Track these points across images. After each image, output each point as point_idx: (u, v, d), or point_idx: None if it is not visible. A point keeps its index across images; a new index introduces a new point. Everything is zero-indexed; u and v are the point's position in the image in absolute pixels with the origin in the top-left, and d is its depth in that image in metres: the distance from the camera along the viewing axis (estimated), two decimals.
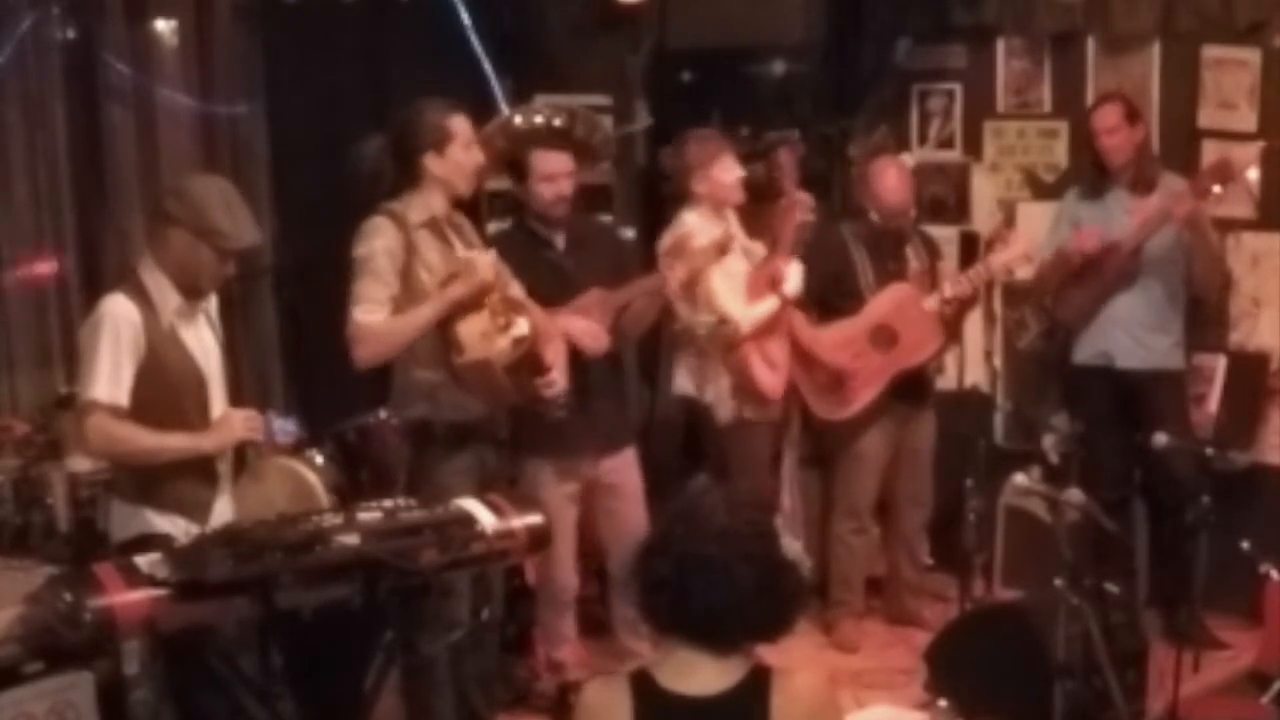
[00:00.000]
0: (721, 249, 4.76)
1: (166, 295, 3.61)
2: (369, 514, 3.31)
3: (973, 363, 5.43)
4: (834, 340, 5.27)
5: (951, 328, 5.33)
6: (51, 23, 5.02)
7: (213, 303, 3.80)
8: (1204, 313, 5.41)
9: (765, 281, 5.04)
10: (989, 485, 5.27)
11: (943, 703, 4.50)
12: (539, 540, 3.60)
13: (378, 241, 4.08)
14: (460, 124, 4.19)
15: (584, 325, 4.54)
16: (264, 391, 5.33)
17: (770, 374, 5.09)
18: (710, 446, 5.17)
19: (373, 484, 4.40)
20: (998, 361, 5.48)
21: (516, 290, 4.26)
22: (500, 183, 5.34)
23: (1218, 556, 4.63)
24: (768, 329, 5.06)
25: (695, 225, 5.00)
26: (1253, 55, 5.31)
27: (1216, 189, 4.92)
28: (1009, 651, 4.29)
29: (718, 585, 2.36)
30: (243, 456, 3.90)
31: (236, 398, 3.91)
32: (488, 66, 5.70)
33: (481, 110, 5.35)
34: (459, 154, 4.17)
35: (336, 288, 4.16)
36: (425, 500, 3.54)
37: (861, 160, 5.90)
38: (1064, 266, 5.25)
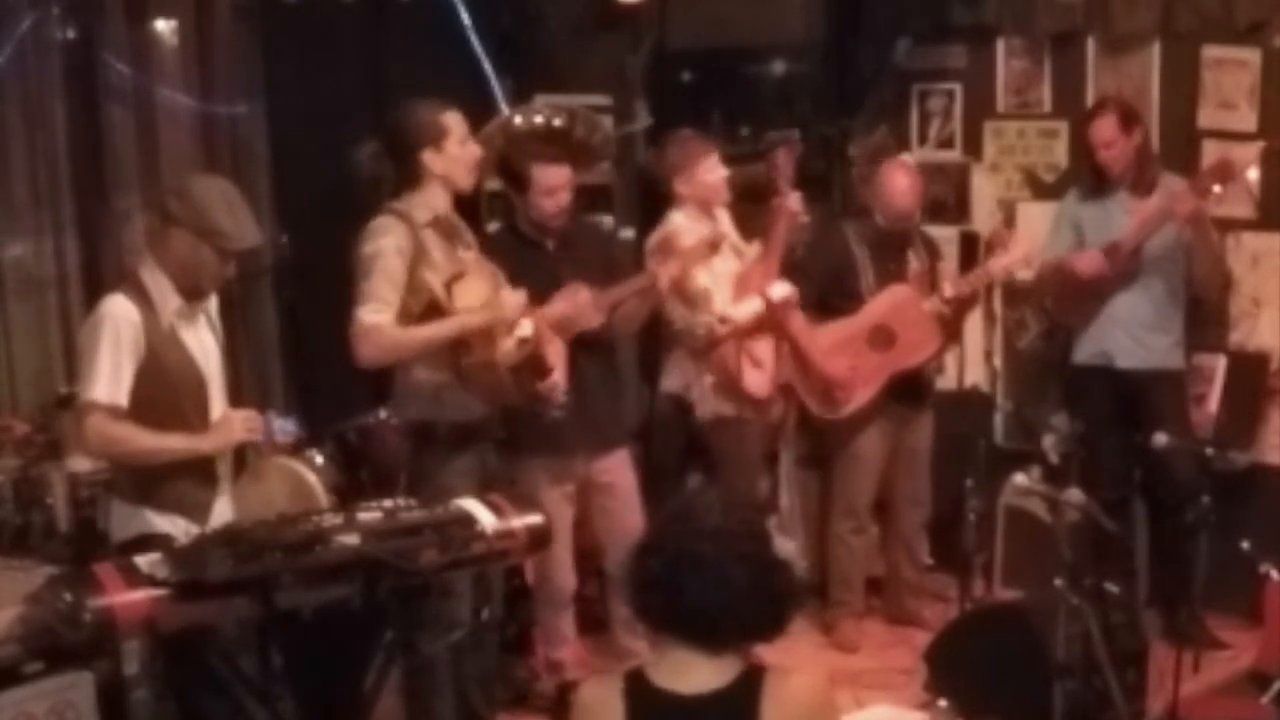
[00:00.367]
0: (713, 246, 4.77)
1: (167, 296, 3.61)
2: (369, 514, 3.31)
3: (973, 363, 5.43)
4: (832, 340, 5.27)
5: (951, 328, 5.33)
6: (51, 23, 5.02)
7: (213, 303, 3.80)
8: (1204, 313, 5.41)
9: (754, 283, 5.03)
10: (989, 485, 5.27)
11: (943, 703, 4.50)
12: (539, 540, 3.60)
13: (388, 240, 4.07)
14: (454, 119, 4.19)
15: (573, 305, 4.53)
16: (264, 391, 5.34)
17: (755, 373, 5.08)
18: (698, 444, 5.17)
19: (373, 484, 4.41)
20: (998, 361, 5.48)
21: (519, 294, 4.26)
22: (500, 183, 5.35)
23: (1218, 556, 4.63)
24: (753, 330, 5.05)
25: (682, 225, 5.01)
26: (1253, 55, 5.31)
27: (1217, 189, 4.93)
28: (1009, 651, 4.29)
29: (710, 584, 2.36)
30: (242, 457, 3.91)
31: (236, 398, 3.91)
32: (488, 66, 5.71)
33: (481, 110, 5.37)
34: (456, 149, 4.17)
35: (336, 288, 4.16)
36: (426, 501, 3.54)
37: (862, 160, 5.91)
38: (1063, 276, 5.25)
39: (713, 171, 5.08)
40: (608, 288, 4.66)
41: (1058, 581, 4.00)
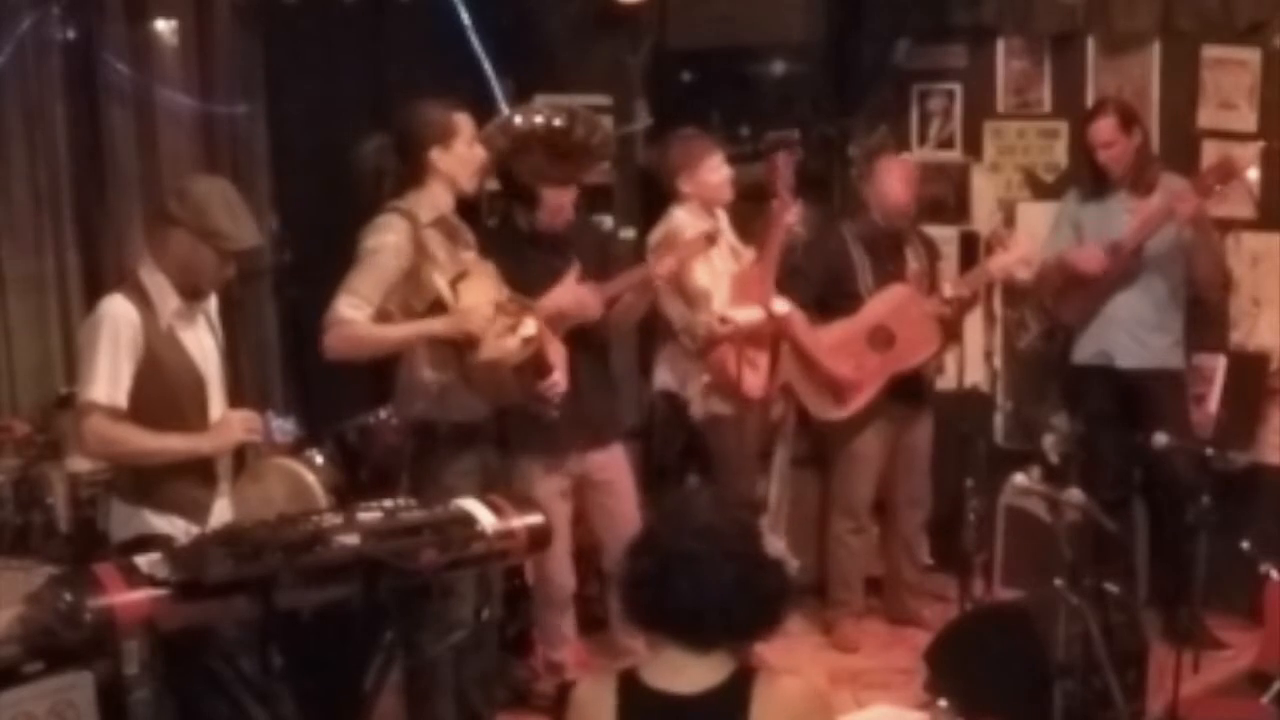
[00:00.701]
0: (710, 239, 4.77)
1: (166, 296, 3.60)
2: (369, 514, 3.31)
3: (973, 363, 5.43)
4: (832, 341, 5.27)
5: (951, 329, 5.33)
6: (51, 23, 5.02)
7: (212, 304, 3.80)
8: (1204, 313, 5.40)
9: (751, 288, 5.02)
10: (989, 485, 5.26)
11: (943, 703, 4.50)
12: (539, 540, 3.60)
13: (389, 238, 4.07)
14: (465, 121, 4.20)
15: (570, 296, 4.52)
16: (264, 391, 5.34)
17: (750, 373, 5.08)
18: (696, 442, 5.17)
19: (373, 484, 4.41)
20: (998, 361, 5.48)
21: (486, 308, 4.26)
22: (501, 186, 5.35)
23: (1218, 556, 4.63)
24: (752, 337, 5.04)
25: (684, 222, 5.01)
26: (1253, 55, 5.31)
27: (1218, 188, 4.93)
28: (1009, 651, 4.29)
29: (698, 582, 2.36)
30: (242, 457, 3.90)
31: (236, 398, 3.91)
32: (488, 66, 5.70)
33: (481, 110, 5.36)
34: (464, 149, 4.17)
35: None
36: (428, 501, 3.54)
37: (862, 160, 5.90)
38: (1064, 272, 5.25)
39: (716, 171, 5.08)
40: (603, 281, 4.66)
41: (1058, 581, 3.99)
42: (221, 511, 3.71)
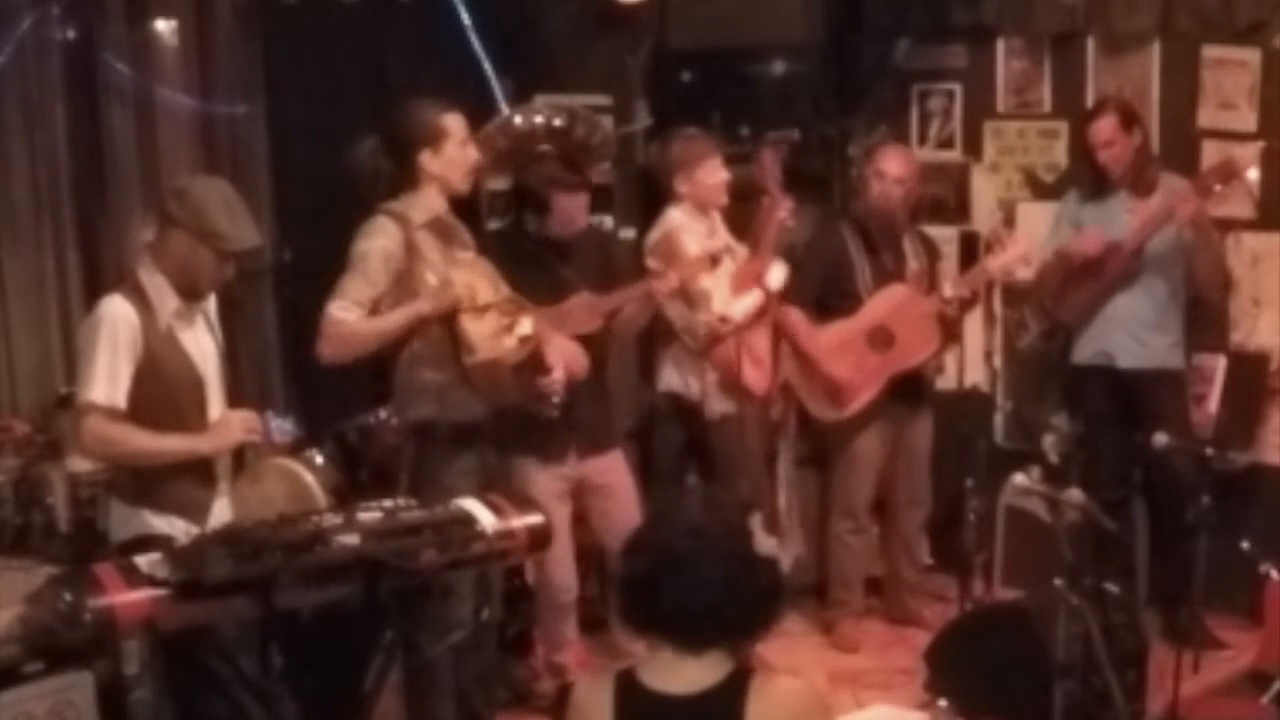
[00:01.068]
0: (715, 260, 4.80)
1: (165, 297, 3.60)
2: (369, 514, 3.31)
3: (973, 363, 5.42)
4: (832, 341, 5.27)
5: (950, 329, 5.33)
6: (51, 23, 5.03)
7: (211, 304, 3.80)
8: (1204, 313, 5.40)
9: (750, 279, 5.04)
10: (989, 485, 5.26)
11: (943, 703, 4.50)
12: (539, 540, 3.60)
13: (378, 241, 4.08)
14: (454, 121, 4.19)
15: (566, 350, 4.51)
16: (264, 391, 5.33)
17: (754, 369, 5.08)
18: (697, 442, 5.17)
19: (373, 484, 4.41)
20: (998, 361, 5.48)
21: (499, 292, 4.26)
22: (500, 183, 5.35)
23: (1218, 556, 4.62)
24: (752, 324, 5.05)
25: (681, 222, 5.02)
26: (1253, 55, 5.31)
27: (1218, 188, 4.93)
28: (1009, 651, 4.29)
29: (688, 584, 2.36)
30: (241, 457, 3.90)
31: (236, 398, 3.91)
32: (488, 66, 5.70)
33: (481, 110, 5.36)
34: (454, 151, 4.17)
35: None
36: (427, 501, 3.54)
37: (862, 160, 5.90)
38: (1064, 267, 5.25)
39: (714, 174, 5.09)
40: (606, 290, 4.67)
41: (1058, 581, 4.00)
42: (221, 512, 3.71)
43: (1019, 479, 4.49)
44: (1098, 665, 4.01)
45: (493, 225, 5.29)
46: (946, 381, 5.50)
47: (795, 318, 5.26)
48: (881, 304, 5.26)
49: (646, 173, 5.78)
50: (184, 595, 3.02)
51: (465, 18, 5.66)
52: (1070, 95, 5.76)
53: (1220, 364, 5.46)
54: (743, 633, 2.43)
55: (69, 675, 3.56)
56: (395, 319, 4.07)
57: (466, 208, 4.51)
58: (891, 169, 5.27)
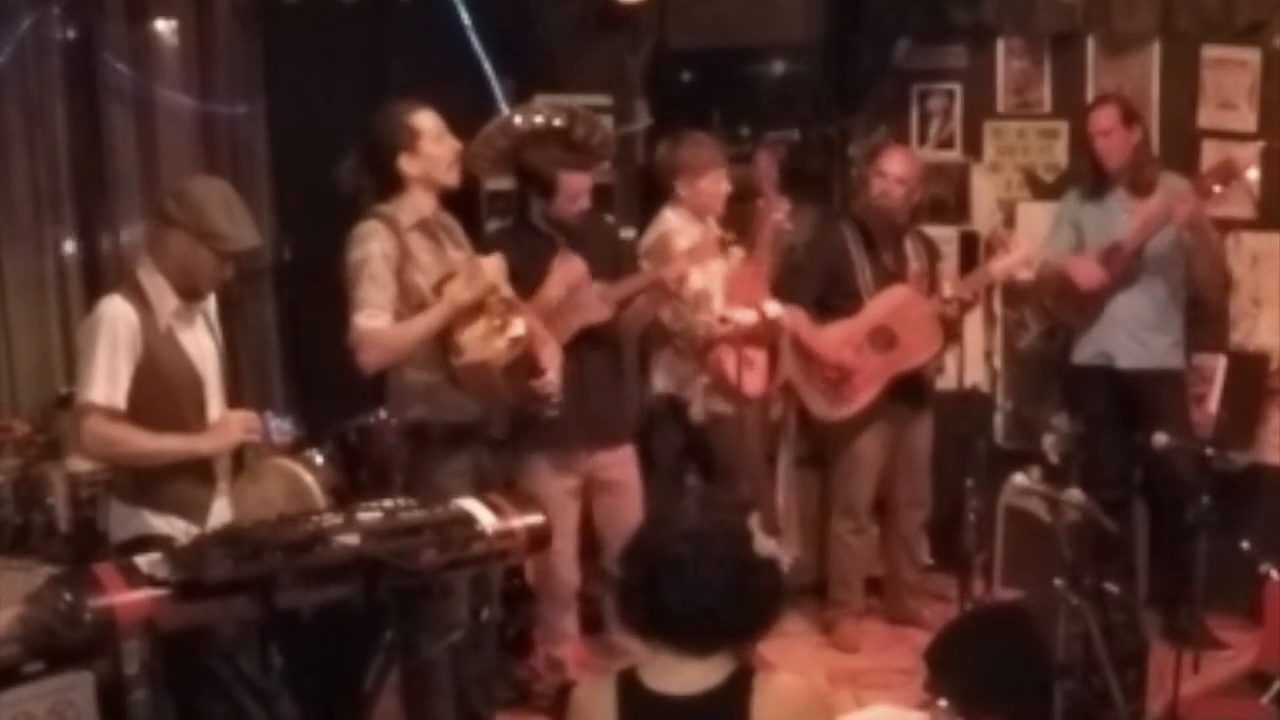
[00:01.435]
0: (722, 245, 4.79)
1: (164, 297, 3.60)
2: (369, 514, 3.31)
3: (973, 363, 5.43)
4: (834, 340, 5.28)
5: (951, 329, 5.33)
6: (51, 23, 5.03)
7: (211, 304, 3.79)
8: (1204, 313, 5.40)
9: (743, 287, 5.02)
10: (989, 485, 5.26)
11: (943, 703, 4.50)
12: (539, 540, 3.60)
13: (373, 245, 4.07)
14: (426, 119, 4.17)
15: (558, 287, 4.49)
16: (264, 391, 5.34)
17: (748, 372, 5.08)
18: (696, 443, 5.17)
19: (373, 484, 4.41)
20: (998, 361, 5.48)
21: (508, 291, 4.26)
22: (500, 183, 5.34)
23: (1218, 556, 4.62)
24: (747, 338, 5.04)
25: (675, 225, 5.03)
26: (1253, 55, 5.31)
27: (1218, 189, 4.93)
28: (1009, 651, 4.29)
29: (687, 587, 2.36)
30: (241, 457, 3.90)
31: (236, 398, 3.91)
32: (488, 66, 5.70)
33: (481, 110, 5.36)
34: (432, 148, 4.15)
35: (336, 288, 4.15)
36: (422, 501, 3.53)
37: (862, 160, 5.91)
38: (1062, 280, 5.25)
39: (718, 184, 5.09)
40: (615, 281, 4.66)
41: (1058, 581, 3.99)
42: (220, 512, 3.70)
43: (1019, 479, 4.49)
44: (1098, 665, 4.01)
45: (492, 226, 5.28)
46: (946, 381, 5.51)
47: (797, 318, 5.26)
48: (883, 305, 5.26)
49: (646, 173, 5.78)
50: (184, 595, 3.02)
51: (465, 18, 5.66)
52: (1070, 95, 5.76)
53: (1220, 364, 5.46)
54: (744, 634, 2.43)
55: (69, 675, 3.56)
56: (434, 316, 4.05)
57: (466, 208, 4.50)
58: (893, 169, 5.28)
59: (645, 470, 4.99)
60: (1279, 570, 4.46)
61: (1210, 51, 5.40)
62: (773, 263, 5.19)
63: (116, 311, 3.55)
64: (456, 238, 4.31)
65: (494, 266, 4.09)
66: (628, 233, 5.77)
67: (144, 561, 3.08)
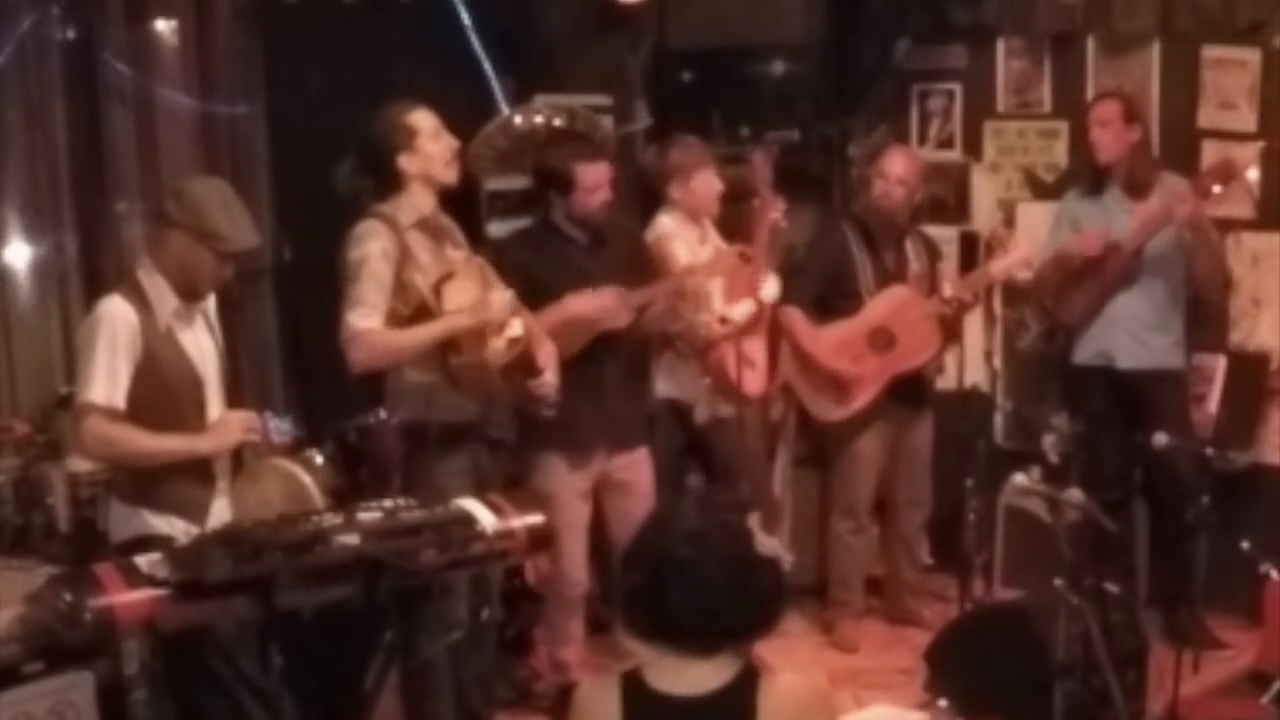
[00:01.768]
0: (744, 257, 4.83)
1: (164, 297, 3.60)
2: (369, 514, 3.31)
3: (973, 363, 5.44)
4: (833, 341, 5.28)
5: (951, 329, 5.33)
6: (51, 23, 5.02)
7: (211, 304, 3.80)
8: (1204, 313, 5.41)
9: (743, 284, 5.03)
10: (989, 485, 5.27)
11: (943, 703, 4.50)
12: (539, 540, 3.60)
13: (373, 244, 4.07)
14: (422, 117, 4.17)
15: (595, 302, 4.52)
16: (263, 391, 5.33)
17: (749, 372, 5.09)
18: (697, 445, 5.17)
19: (373, 484, 4.41)
20: (998, 361, 5.49)
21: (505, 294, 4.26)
22: (500, 183, 5.35)
23: (1218, 556, 4.63)
24: (746, 331, 5.05)
25: (671, 229, 5.03)
26: (1253, 55, 5.31)
27: (1217, 189, 4.93)
28: (1009, 651, 4.29)
29: (690, 589, 2.36)
30: (240, 457, 3.90)
31: (236, 398, 3.91)
32: (488, 66, 5.70)
33: (481, 110, 5.37)
34: (429, 145, 4.15)
35: (336, 288, 4.15)
36: (423, 501, 3.53)
37: (862, 160, 5.91)
38: (1064, 267, 5.25)
39: (708, 184, 5.09)
40: (636, 286, 4.65)
41: (1058, 581, 4.00)
42: (220, 512, 3.70)
43: (1019, 479, 4.49)
44: (1098, 665, 4.01)
45: (492, 227, 5.28)
46: (946, 381, 5.51)
47: (796, 318, 5.26)
48: (882, 305, 5.26)
49: (642, 170, 5.79)
50: (184, 595, 3.02)
51: (465, 18, 5.66)
52: (1070, 95, 5.76)
53: (1220, 364, 5.46)
54: (747, 634, 2.43)
55: (69, 675, 3.56)
56: (433, 331, 4.06)
57: (466, 208, 4.49)
58: (894, 169, 5.27)
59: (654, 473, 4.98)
60: (1279, 570, 4.46)
61: (1210, 51, 5.40)
62: (772, 262, 5.19)
63: (116, 311, 3.55)
64: (455, 238, 4.31)
65: (502, 302, 4.08)
66: None
67: (144, 561, 3.08)
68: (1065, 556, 4.01)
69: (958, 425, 5.33)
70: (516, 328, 4.10)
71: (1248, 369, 5.43)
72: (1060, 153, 5.86)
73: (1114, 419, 5.29)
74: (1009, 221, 5.91)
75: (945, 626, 4.84)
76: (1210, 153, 5.33)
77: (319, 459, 4.30)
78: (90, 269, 5.12)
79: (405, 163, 4.12)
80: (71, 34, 5.08)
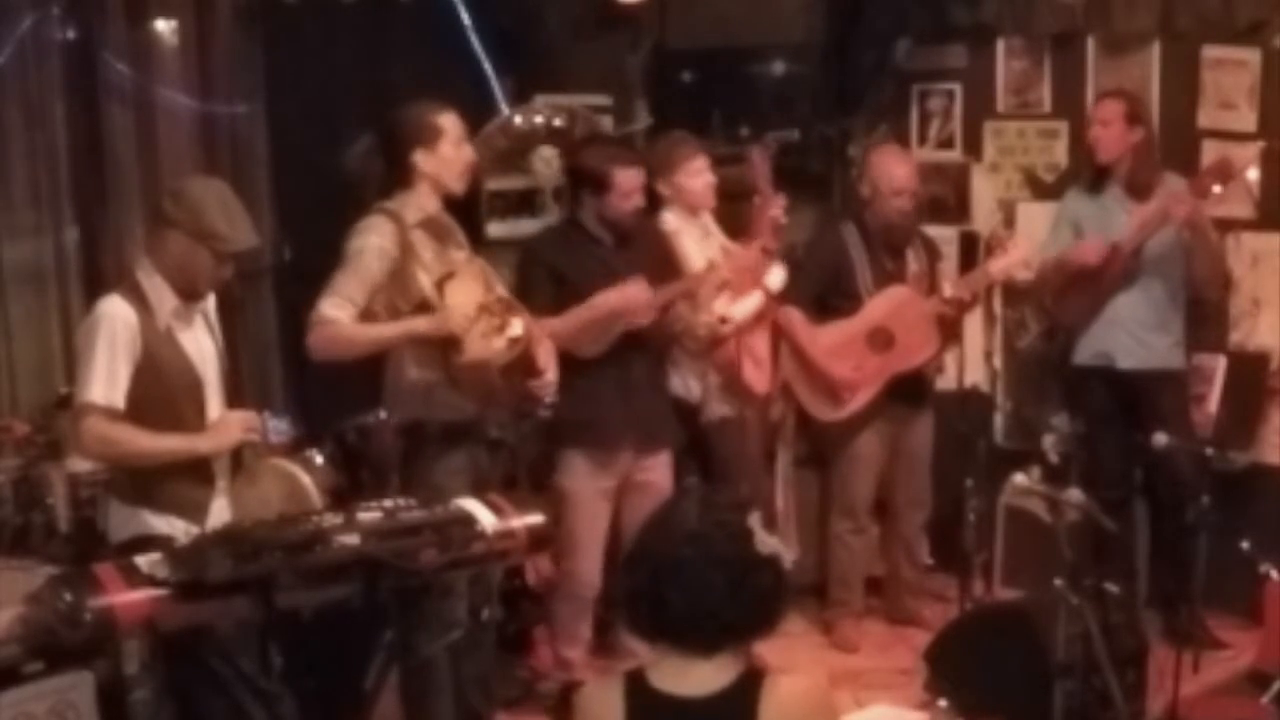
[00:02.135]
0: (767, 253, 4.85)
1: (163, 297, 3.60)
2: (369, 514, 3.31)
3: (973, 363, 5.43)
4: (832, 341, 5.28)
5: (950, 329, 5.33)
6: (51, 23, 5.02)
7: (210, 304, 3.79)
8: (1204, 313, 5.40)
9: (747, 279, 5.04)
10: (989, 485, 5.27)
11: (943, 703, 4.50)
12: (539, 540, 3.60)
13: (373, 239, 4.06)
14: (451, 121, 4.18)
15: (623, 293, 4.49)
16: (263, 391, 5.34)
17: (755, 370, 5.09)
18: (698, 444, 5.17)
19: (373, 484, 4.41)
20: (998, 361, 5.48)
21: (504, 292, 4.26)
22: (500, 183, 5.35)
23: (1218, 556, 4.63)
24: (752, 324, 5.05)
25: (675, 226, 5.02)
26: (1253, 55, 5.31)
27: (1216, 189, 4.92)
28: (1009, 651, 4.29)
29: (690, 589, 2.36)
30: (240, 457, 3.90)
31: (236, 398, 3.91)
32: (488, 66, 5.71)
33: (481, 110, 5.37)
34: (449, 151, 4.15)
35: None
36: (422, 500, 3.54)
37: (862, 161, 5.91)
38: (1064, 271, 5.25)
39: (695, 176, 5.06)
40: (661, 286, 4.66)
41: (1058, 581, 3.99)
42: (220, 512, 3.70)
43: (1019, 479, 4.49)
44: (1098, 665, 4.00)
45: (493, 227, 5.28)
46: (946, 381, 5.50)
47: (794, 318, 5.26)
48: (881, 305, 5.26)
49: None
50: (184, 595, 3.02)
51: (465, 18, 5.66)
52: (1070, 95, 5.76)
53: (1220, 364, 5.46)
54: (748, 633, 2.43)
55: (69, 675, 3.56)
56: (390, 332, 4.06)
57: (466, 208, 4.49)
58: (898, 180, 5.24)
59: None
60: (1279, 570, 4.46)
61: (1210, 51, 5.40)
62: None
63: (116, 311, 3.55)
64: (457, 238, 4.31)
65: (460, 317, 4.02)
66: None
67: (144, 561, 3.08)
68: (1065, 556, 4.00)
69: (958, 425, 5.32)
70: (517, 327, 4.11)
71: (1248, 369, 5.43)
72: (1060, 153, 5.86)
73: (1114, 419, 5.29)
74: (1009, 222, 5.91)
75: (945, 626, 4.85)
76: (1210, 153, 5.32)
77: (318, 459, 4.31)
78: (90, 269, 5.13)
79: (421, 160, 4.12)
80: (71, 34, 5.09)
